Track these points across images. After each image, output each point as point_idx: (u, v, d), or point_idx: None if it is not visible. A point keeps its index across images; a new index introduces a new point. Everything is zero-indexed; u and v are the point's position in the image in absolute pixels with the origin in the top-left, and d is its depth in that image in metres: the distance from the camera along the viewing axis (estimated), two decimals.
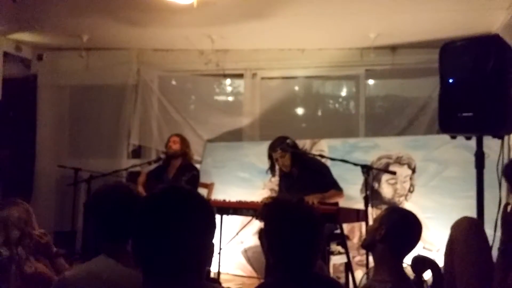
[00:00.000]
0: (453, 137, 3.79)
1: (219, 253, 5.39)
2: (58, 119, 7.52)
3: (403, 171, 5.85)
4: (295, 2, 5.30)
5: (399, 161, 5.91)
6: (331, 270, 4.80)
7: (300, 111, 7.60)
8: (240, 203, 5.20)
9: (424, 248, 5.30)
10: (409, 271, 2.79)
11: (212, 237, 1.67)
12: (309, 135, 6.64)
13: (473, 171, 3.67)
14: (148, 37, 6.77)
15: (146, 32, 6.47)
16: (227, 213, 5.22)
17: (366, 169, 4.75)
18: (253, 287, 2.38)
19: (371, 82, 7.27)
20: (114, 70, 7.29)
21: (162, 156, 6.21)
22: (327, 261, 4.60)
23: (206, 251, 1.65)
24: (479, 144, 3.64)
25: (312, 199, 4.62)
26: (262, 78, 7.36)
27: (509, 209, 2.94)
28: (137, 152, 7.51)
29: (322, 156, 5.49)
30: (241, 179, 6.65)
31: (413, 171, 5.83)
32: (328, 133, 6.76)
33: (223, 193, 6.12)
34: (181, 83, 7.77)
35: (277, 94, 7.33)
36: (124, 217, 2.26)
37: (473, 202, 3.64)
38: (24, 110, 7.40)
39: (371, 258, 2.78)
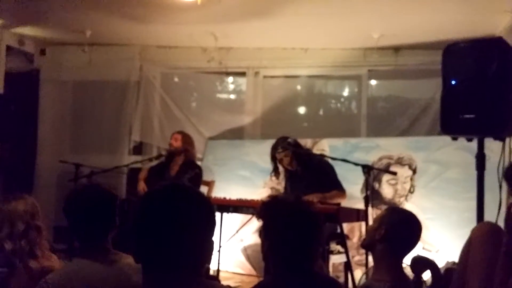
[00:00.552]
0: (455, 139, 3.79)
1: (219, 251, 5.39)
2: (60, 114, 7.53)
3: (404, 172, 5.85)
4: (299, 1, 5.30)
5: (400, 161, 5.91)
6: (330, 269, 4.80)
7: (302, 110, 7.60)
8: (240, 201, 5.20)
9: (423, 248, 5.31)
10: (408, 271, 2.79)
11: (212, 234, 1.67)
12: (310, 135, 6.64)
13: (473, 173, 3.67)
14: (152, 34, 6.78)
15: (150, 29, 6.47)
16: (227, 211, 5.22)
17: (367, 169, 4.75)
18: (252, 285, 2.37)
19: (373, 82, 7.27)
20: (116, 66, 7.29)
21: (164, 152, 6.20)
22: (326, 260, 4.60)
23: (205, 249, 1.65)
24: (480, 146, 3.64)
25: (312, 198, 4.62)
26: (265, 77, 7.36)
27: None
28: (138, 149, 7.51)
29: (323, 156, 5.49)
30: (242, 177, 6.65)
31: (414, 172, 5.83)
32: (329, 133, 6.76)
33: (223, 191, 6.11)
34: (184, 80, 7.77)
35: (279, 93, 7.33)
36: (97, 217, 2.41)
37: (473, 204, 3.64)
38: (26, 104, 7.41)
39: (370, 258, 2.78)
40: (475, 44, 3.66)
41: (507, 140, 3.75)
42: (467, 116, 3.50)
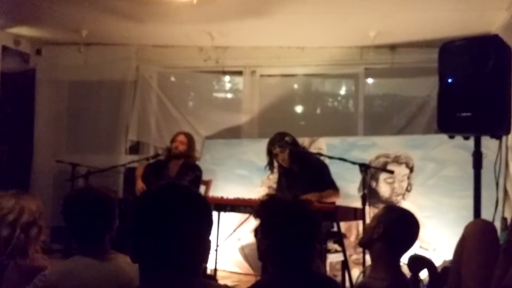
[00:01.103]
0: (451, 137, 3.79)
1: (216, 250, 5.39)
2: (56, 114, 7.52)
3: (401, 170, 5.85)
4: (295, 0, 5.30)
5: (397, 160, 5.92)
6: (327, 268, 4.80)
7: (299, 109, 7.60)
8: (237, 200, 5.20)
9: (421, 247, 5.31)
10: (405, 270, 2.79)
11: (209, 234, 1.67)
12: (307, 133, 6.64)
13: (470, 171, 3.67)
14: (148, 33, 6.77)
15: (146, 28, 6.46)
16: (225, 210, 5.21)
17: (364, 167, 4.75)
18: (250, 284, 2.37)
19: (370, 81, 7.27)
20: (113, 65, 7.29)
21: (161, 152, 6.18)
22: (323, 259, 4.60)
23: (203, 248, 1.65)
24: (477, 144, 3.64)
25: (309, 197, 4.62)
26: (261, 76, 7.36)
27: None
28: (135, 148, 7.50)
29: (321, 154, 5.49)
30: (240, 176, 6.65)
31: (411, 170, 5.83)
32: (326, 131, 6.76)
33: (221, 190, 6.11)
34: (180, 80, 7.77)
35: (276, 92, 7.33)
36: (94, 219, 2.46)
37: (470, 202, 3.64)
38: (22, 104, 7.39)
39: (367, 257, 2.79)
40: (471, 41, 3.66)
41: (504, 138, 3.75)
42: (464, 114, 3.50)
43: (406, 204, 5.62)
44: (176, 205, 1.61)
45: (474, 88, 3.49)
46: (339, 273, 5.12)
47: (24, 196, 2.78)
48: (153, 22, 6.20)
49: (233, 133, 7.28)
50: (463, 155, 4.76)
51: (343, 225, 5.13)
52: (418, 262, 2.94)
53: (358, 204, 4.81)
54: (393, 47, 6.72)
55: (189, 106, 7.64)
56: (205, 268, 5.12)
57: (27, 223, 2.71)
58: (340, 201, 5.14)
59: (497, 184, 3.57)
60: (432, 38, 5.76)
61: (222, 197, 5.32)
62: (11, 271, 2.65)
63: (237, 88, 7.72)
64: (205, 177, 6.40)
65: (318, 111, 7.56)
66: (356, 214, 4.83)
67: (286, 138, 5.23)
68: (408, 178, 5.83)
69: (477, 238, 2.74)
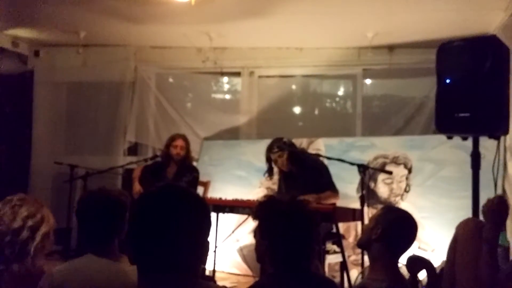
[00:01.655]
0: (450, 137, 3.79)
1: (215, 251, 5.39)
2: (54, 116, 7.51)
3: (399, 171, 5.86)
4: (293, 1, 5.30)
5: (395, 160, 5.92)
6: (326, 269, 4.80)
7: (297, 109, 7.60)
8: (236, 201, 5.20)
9: (419, 248, 5.32)
10: (404, 271, 2.79)
11: (208, 235, 1.67)
12: (306, 134, 6.64)
13: (469, 171, 3.67)
14: (146, 34, 6.76)
15: (144, 29, 6.46)
16: (223, 211, 5.22)
17: (363, 168, 4.76)
18: (248, 285, 2.37)
19: (368, 81, 7.28)
20: (111, 67, 7.28)
21: (159, 153, 6.18)
22: (322, 260, 4.60)
23: (201, 249, 1.65)
24: (475, 144, 3.65)
25: (308, 199, 4.62)
26: (260, 77, 7.36)
27: None
28: (133, 150, 7.50)
29: (319, 155, 5.50)
30: (238, 177, 6.65)
31: (409, 171, 5.84)
32: (325, 132, 6.76)
33: (219, 191, 6.11)
34: (179, 81, 7.76)
35: (275, 93, 7.33)
36: (109, 220, 2.51)
37: (468, 202, 3.65)
38: (21, 106, 7.39)
39: (366, 258, 2.78)
40: (469, 42, 3.67)
41: (502, 138, 3.76)
42: (462, 114, 3.51)
43: (404, 204, 5.63)
44: (174, 207, 1.61)
45: (472, 89, 3.49)
46: (337, 274, 5.12)
47: (46, 208, 2.79)
48: (151, 23, 6.19)
49: (231, 134, 7.28)
50: (461, 155, 4.77)
51: (341, 226, 5.13)
52: (417, 263, 2.94)
53: (356, 205, 4.81)
54: (391, 48, 6.72)
55: (187, 107, 7.64)
56: (204, 269, 5.12)
57: (36, 223, 2.71)
58: (338, 202, 5.14)
59: (495, 184, 3.58)
60: (430, 39, 5.76)
61: (220, 198, 5.33)
62: (9, 274, 2.64)
63: (236, 89, 7.72)
64: (203, 178, 6.41)
65: (316, 112, 7.56)
66: (354, 215, 4.83)
67: (284, 140, 5.24)
68: (407, 178, 5.84)
69: (469, 237, 2.74)
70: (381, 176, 5.89)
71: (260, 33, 6.49)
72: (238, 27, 6.22)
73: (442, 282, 2.88)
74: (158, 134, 7.20)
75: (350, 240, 5.69)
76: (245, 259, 6.10)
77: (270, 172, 5.40)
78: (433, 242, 5.40)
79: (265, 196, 5.28)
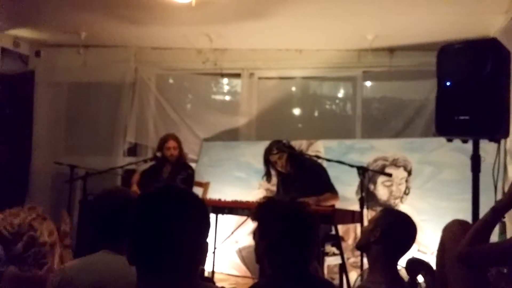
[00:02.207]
0: (450, 140, 3.79)
1: (214, 253, 5.39)
2: (55, 116, 7.52)
3: (399, 173, 5.85)
4: (294, 2, 5.30)
5: (395, 163, 5.92)
6: (325, 271, 4.80)
7: (296, 111, 7.60)
8: (235, 202, 5.19)
9: (418, 250, 5.31)
10: (403, 273, 2.79)
11: (207, 236, 1.66)
12: (305, 136, 6.64)
13: (468, 174, 3.66)
14: (146, 35, 6.77)
15: (144, 30, 6.46)
16: (222, 213, 5.21)
17: (362, 170, 4.75)
18: (247, 287, 2.37)
19: (368, 83, 7.28)
20: (111, 67, 7.29)
21: (159, 154, 6.18)
22: (321, 262, 4.60)
23: (200, 250, 1.64)
24: (475, 147, 3.64)
25: (307, 201, 4.61)
26: (260, 78, 7.36)
27: None
28: (132, 150, 7.50)
29: (318, 157, 5.50)
30: (237, 179, 6.65)
31: (409, 173, 5.83)
32: (324, 134, 6.76)
33: (219, 192, 6.11)
34: (179, 82, 7.77)
35: (274, 94, 7.33)
36: (125, 218, 2.47)
37: (468, 205, 3.64)
38: (21, 106, 7.39)
39: (365, 260, 2.78)
40: (469, 45, 3.66)
41: (502, 141, 3.75)
42: (462, 117, 3.50)
43: (404, 207, 5.62)
44: (173, 208, 1.61)
45: (473, 91, 3.49)
46: (337, 276, 5.12)
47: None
48: (151, 24, 6.20)
49: (231, 135, 7.28)
50: (461, 158, 4.76)
51: (341, 228, 5.12)
52: (416, 265, 2.94)
53: (356, 207, 4.81)
54: (391, 50, 6.72)
55: (187, 108, 7.65)
56: (203, 270, 5.12)
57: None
58: (338, 204, 5.14)
59: (495, 187, 3.57)
60: (430, 41, 5.76)
61: (219, 200, 5.32)
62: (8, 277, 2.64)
63: (235, 90, 7.72)
64: (202, 179, 6.41)
65: (316, 113, 7.56)
66: (354, 217, 4.83)
67: (283, 142, 5.23)
68: (406, 181, 5.83)
69: (456, 238, 2.74)
70: (381, 179, 5.89)
71: (260, 35, 6.49)
72: (238, 28, 6.22)
73: (434, 286, 2.88)
74: (158, 135, 7.17)
75: (350, 242, 5.68)
76: (244, 260, 6.10)
77: (268, 175, 5.40)
78: (432, 245, 5.39)
79: (265, 197, 5.28)
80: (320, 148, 6.32)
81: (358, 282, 4.73)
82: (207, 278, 5.21)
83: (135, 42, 7.14)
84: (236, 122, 7.29)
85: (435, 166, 5.72)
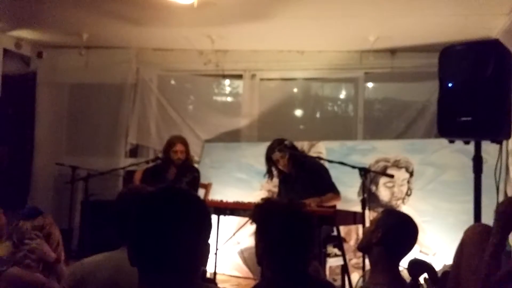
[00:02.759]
0: (451, 142, 3.78)
1: (216, 254, 5.38)
2: (56, 117, 7.53)
3: (400, 175, 5.85)
4: (295, 4, 5.31)
5: (396, 164, 5.91)
6: (327, 272, 4.79)
7: (298, 113, 7.60)
8: (237, 203, 5.19)
9: (420, 251, 5.31)
10: (405, 274, 2.78)
11: (208, 237, 1.66)
12: (307, 137, 6.65)
13: (470, 176, 3.66)
14: (148, 37, 6.77)
15: (146, 31, 6.47)
16: (224, 214, 5.20)
17: (364, 171, 4.74)
18: None
19: (370, 85, 7.28)
20: (113, 68, 7.30)
21: (160, 155, 6.18)
22: (323, 263, 4.59)
23: (202, 251, 1.64)
24: (477, 148, 3.63)
25: (310, 202, 4.61)
26: (261, 79, 7.37)
27: None
28: (134, 151, 7.50)
29: (320, 158, 5.50)
30: (239, 180, 6.65)
31: (411, 174, 5.83)
32: (326, 135, 6.76)
33: (220, 193, 6.11)
34: (180, 83, 7.77)
35: (276, 96, 7.34)
36: None
37: (470, 207, 3.64)
38: (23, 107, 7.41)
39: (367, 261, 2.78)
40: (471, 46, 3.66)
41: (504, 142, 3.74)
42: (464, 118, 3.49)
43: (405, 208, 5.62)
44: (175, 208, 1.60)
45: (474, 93, 3.48)
46: (338, 277, 5.11)
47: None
48: (153, 25, 6.20)
49: (232, 136, 7.28)
50: (463, 159, 4.77)
51: (342, 229, 5.12)
52: (418, 266, 2.93)
53: (357, 208, 4.81)
54: (393, 51, 6.72)
55: (189, 110, 7.65)
56: (205, 271, 5.11)
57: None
58: (339, 205, 5.14)
59: (497, 189, 3.56)
60: (432, 43, 5.76)
61: (221, 201, 5.31)
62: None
63: (237, 91, 7.72)
64: (204, 180, 6.40)
65: (318, 115, 7.56)
66: (355, 218, 4.82)
67: (285, 142, 5.22)
68: (408, 182, 5.83)
69: (477, 242, 2.73)
70: (383, 180, 5.89)
71: (262, 36, 6.50)
72: (240, 29, 6.23)
73: (446, 286, 2.87)
74: (160, 136, 7.20)
75: (351, 243, 5.68)
76: (246, 261, 6.10)
77: (269, 174, 5.38)
78: (434, 246, 5.40)
79: (263, 198, 5.28)
80: (322, 150, 6.32)
81: (360, 283, 4.73)
82: (209, 279, 5.21)
83: (136, 43, 7.15)
84: (237, 123, 7.29)
85: (437, 168, 5.72)
